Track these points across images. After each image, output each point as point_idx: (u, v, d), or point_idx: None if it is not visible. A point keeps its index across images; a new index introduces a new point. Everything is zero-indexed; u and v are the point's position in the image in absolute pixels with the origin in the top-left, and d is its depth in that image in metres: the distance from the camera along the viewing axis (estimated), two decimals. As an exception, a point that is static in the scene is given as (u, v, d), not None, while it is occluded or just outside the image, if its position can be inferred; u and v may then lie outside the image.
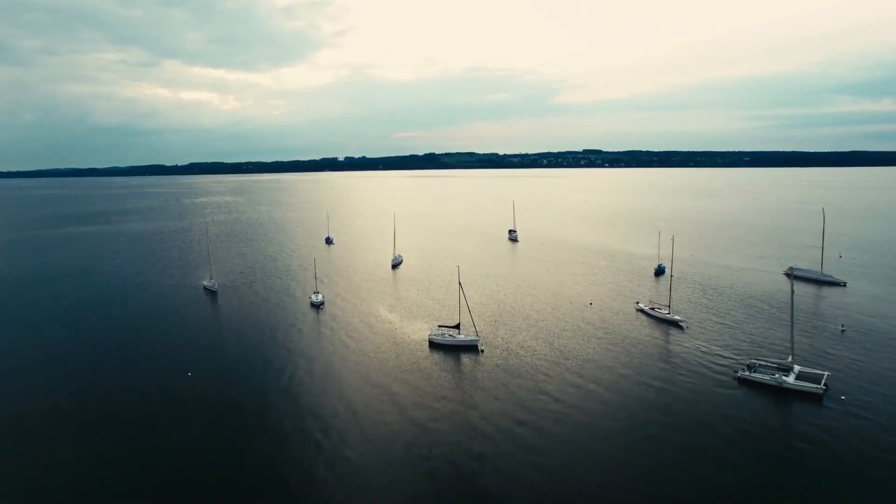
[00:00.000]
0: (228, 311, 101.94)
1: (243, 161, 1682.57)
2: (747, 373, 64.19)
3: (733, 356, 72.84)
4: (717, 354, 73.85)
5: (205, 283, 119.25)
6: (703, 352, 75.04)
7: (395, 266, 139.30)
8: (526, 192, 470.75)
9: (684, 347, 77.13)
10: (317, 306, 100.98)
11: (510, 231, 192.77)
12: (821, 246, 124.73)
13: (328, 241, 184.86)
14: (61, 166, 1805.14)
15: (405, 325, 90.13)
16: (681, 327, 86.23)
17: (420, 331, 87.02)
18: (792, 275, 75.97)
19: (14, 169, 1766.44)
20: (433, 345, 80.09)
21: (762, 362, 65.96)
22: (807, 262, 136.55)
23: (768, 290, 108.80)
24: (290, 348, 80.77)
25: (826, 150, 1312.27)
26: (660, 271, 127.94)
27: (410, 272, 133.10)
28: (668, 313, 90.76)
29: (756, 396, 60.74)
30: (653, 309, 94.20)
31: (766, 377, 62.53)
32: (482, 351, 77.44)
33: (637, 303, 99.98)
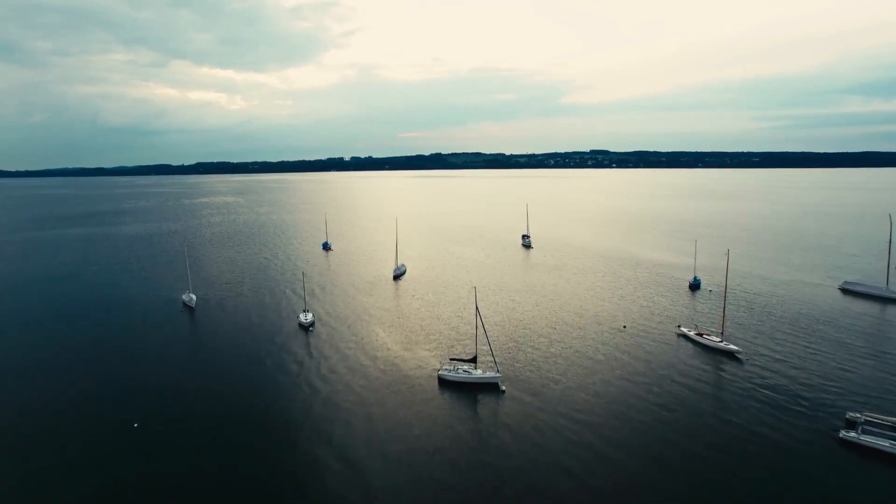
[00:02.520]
0: (203, 332, 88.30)
1: (249, 161, 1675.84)
2: (852, 434, 49.73)
3: (819, 404, 58.42)
4: (797, 401, 59.39)
5: (183, 297, 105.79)
6: (777, 397, 60.62)
7: (397, 277, 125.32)
8: (535, 194, 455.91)
9: (751, 390, 62.73)
10: (306, 328, 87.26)
11: (523, 236, 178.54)
12: (887, 256, 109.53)
13: (325, 246, 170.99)
14: (70, 166, 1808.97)
15: (409, 356, 76.13)
16: (738, 360, 71.92)
17: (427, 362, 73.07)
18: None
19: (23, 168, 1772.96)
20: (444, 382, 66.14)
21: (868, 418, 51.39)
22: (855, 273, 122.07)
23: (827, 311, 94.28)
24: (268, 384, 66.99)
25: (837, 151, 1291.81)
26: (695, 285, 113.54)
27: (415, 285, 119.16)
28: (721, 341, 76.44)
29: (871, 470, 46.28)
30: (700, 335, 79.83)
31: (884, 443, 47.91)
32: (503, 391, 63.45)
33: (679, 326, 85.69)
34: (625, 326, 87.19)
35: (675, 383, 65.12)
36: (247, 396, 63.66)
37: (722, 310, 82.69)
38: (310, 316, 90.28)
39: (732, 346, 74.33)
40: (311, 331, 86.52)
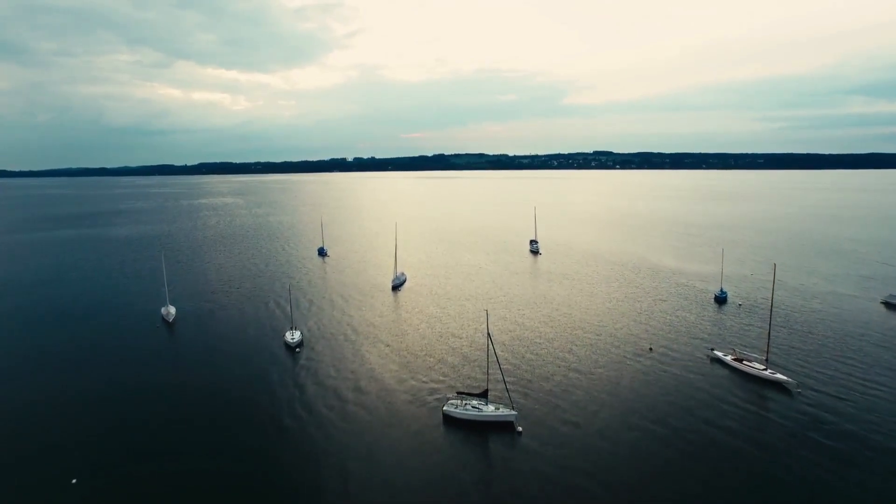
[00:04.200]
0: (178, 352, 78.81)
1: (252, 161, 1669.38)
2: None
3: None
4: (873, 452, 49.60)
5: (162, 310, 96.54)
6: (845, 446, 50.87)
7: (396, 287, 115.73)
8: (540, 195, 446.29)
9: (812, 436, 53.00)
10: (293, 348, 77.89)
11: (531, 241, 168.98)
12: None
13: (321, 252, 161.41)
14: (73, 166, 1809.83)
15: (407, 384, 66.59)
16: (788, 392, 62.37)
17: (428, 393, 63.63)
18: None
19: (27, 168, 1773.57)
20: (450, 419, 56.74)
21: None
22: (891, 284, 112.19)
23: (876, 330, 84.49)
24: (242, 418, 57.55)
25: (843, 152, 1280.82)
26: (721, 298, 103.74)
27: (415, 296, 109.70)
28: (765, 369, 66.80)
29: None
30: (738, 360, 70.19)
31: None
32: (520, 432, 54.00)
33: (712, 349, 75.93)
34: (651, 349, 77.59)
35: (716, 427, 55.39)
36: (216, 434, 54.30)
37: (766, 331, 73.05)
38: (297, 335, 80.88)
39: (780, 376, 64.62)
40: (298, 352, 77.11)
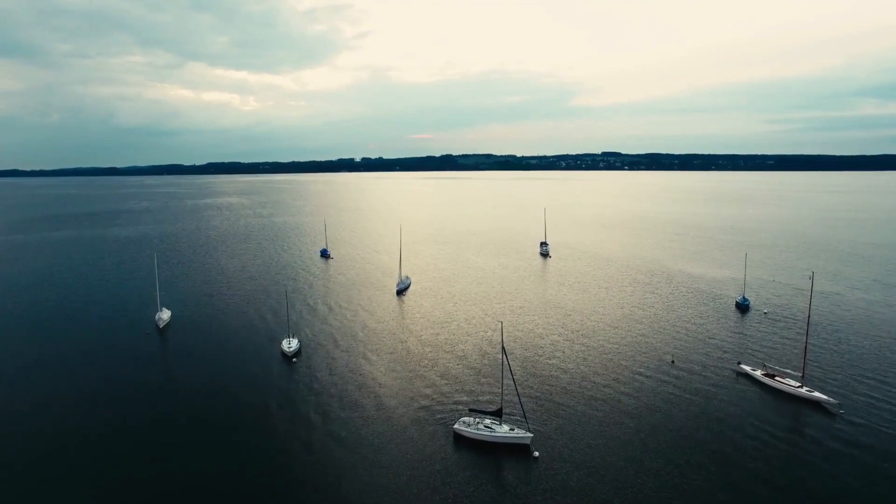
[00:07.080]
0: (168, 362, 74.11)
1: (261, 161, 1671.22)
2: None
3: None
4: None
5: (155, 315, 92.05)
6: (899, 474, 45.70)
7: (400, 292, 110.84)
8: (549, 196, 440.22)
9: (860, 465, 47.72)
10: (289, 357, 73.10)
11: (541, 244, 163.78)
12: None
13: (324, 254, 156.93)
14: (84, 165, 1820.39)
15: (413, 398, 61.60)
16: (828, 412, 56.95)
17: (436, 409, 58.66)
18: None
19: (38, 168, 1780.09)
20: (461, 439, 51.79)
21: None
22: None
23: (914, 341, 78.82)
24: (233, 436, 52.81)
25: (853, 154, 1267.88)
26: (743, 305, 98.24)
27: (421, 302, 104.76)
28: (801, 386, 61.38)
29: None
30: (769, 376, 64.77)
31: None
32: (536, 456, 48.93)
33: (739, 363, 70.45)
34: (673, 361, 72.26)
35: (751, 450, 50.11)
36: (204, 452, 49.55)
37: (796, 342, 67.81)
38: (294, 343, 76.06)
39: (820, 395, 59.16)
40: (295, 361, 72.33)
